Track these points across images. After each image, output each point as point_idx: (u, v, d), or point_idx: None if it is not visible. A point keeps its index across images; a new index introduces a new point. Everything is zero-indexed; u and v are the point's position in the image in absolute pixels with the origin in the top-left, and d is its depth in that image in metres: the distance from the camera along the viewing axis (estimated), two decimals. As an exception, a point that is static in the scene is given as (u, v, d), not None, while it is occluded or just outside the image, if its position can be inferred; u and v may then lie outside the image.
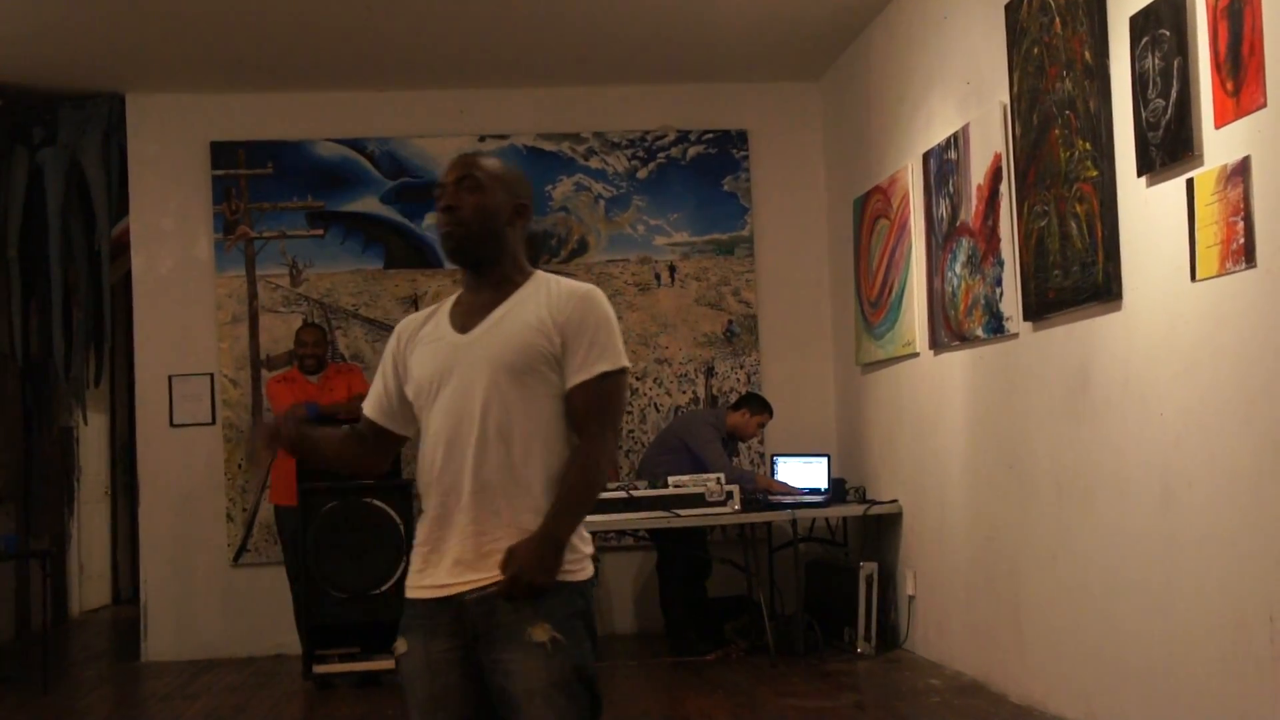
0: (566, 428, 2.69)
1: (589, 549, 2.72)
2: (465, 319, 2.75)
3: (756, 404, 7.82)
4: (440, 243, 2.78)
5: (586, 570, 2.69)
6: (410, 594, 2.72)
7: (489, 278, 2.76)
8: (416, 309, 8.33)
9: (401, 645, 2.70)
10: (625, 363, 2.71)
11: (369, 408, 2.88)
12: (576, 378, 2.67)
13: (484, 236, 2.73)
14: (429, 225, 8.45)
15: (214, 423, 8.22)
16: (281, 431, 2.77)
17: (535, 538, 2.60)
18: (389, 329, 8.35)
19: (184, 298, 8.32)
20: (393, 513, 6.95)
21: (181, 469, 8.24)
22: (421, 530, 2.72)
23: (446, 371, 2.70)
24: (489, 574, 2.62)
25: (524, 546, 2.59)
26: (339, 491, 6.96)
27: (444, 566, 2.66)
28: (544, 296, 2.72)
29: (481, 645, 2.62)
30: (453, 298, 2.84)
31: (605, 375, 2.67)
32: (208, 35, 7.36)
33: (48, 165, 8.32)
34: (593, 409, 2.67)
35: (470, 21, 7.30)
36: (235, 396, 8.27)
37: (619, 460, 8.20)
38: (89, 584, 11.20)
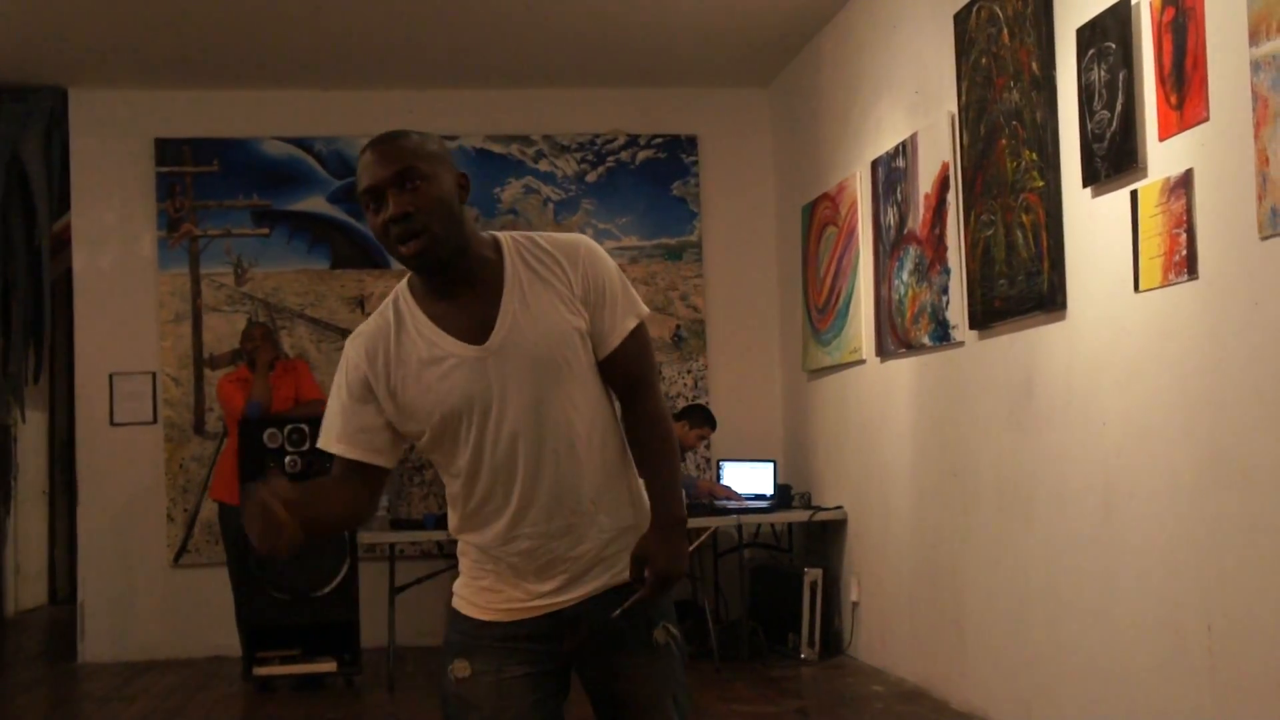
0: (609, 400, 2.47)
1: None
2: (466, 325, 2.38)
3: (698, 417, 7.76)
4: (407, 262, 2.36)
5: None
6: (485, 615, 2.46)
7: (462, 270, 2.39)
8: (363, 309, 8.43)
9: (463, 668, 2.43)
10: (645, 309, 2.49)
11: (354, 450, 2.42)
12: (612, 341, 2.43)
13: (450, 235, 2.35)
14: (376, 225, 8.39)
15: (155, 422, 8.13)
16: (274, 508, 2.23)
17: (659, 528, 2.40)
18: (335, 329, 8.33)
19: (126, 295, 8.22)
20: (336, 514, 6.87)
21: (121, 468, 8.14)
22: (491, 554, 2.44)
23: (483, 391, 2.36)
24: (596, 582, 2.44)
25: (654, 543, 2.40)
26: (281, 492, 6.89)
27: (542, 583, 2.42)
28: (543, 269, 2.42)
29: (588, 653, 2.45)
30: (410, 306, 2.42)
31: (637, 329, 2.46)
32: (153, 30, 7.27)
33: (-13, 159, 8.21)
34: (636, 367, 2.46)
35: (420, 21, 7.26)
36: (177, 396, 8.18)
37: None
38: (25, 584, 11.03)
